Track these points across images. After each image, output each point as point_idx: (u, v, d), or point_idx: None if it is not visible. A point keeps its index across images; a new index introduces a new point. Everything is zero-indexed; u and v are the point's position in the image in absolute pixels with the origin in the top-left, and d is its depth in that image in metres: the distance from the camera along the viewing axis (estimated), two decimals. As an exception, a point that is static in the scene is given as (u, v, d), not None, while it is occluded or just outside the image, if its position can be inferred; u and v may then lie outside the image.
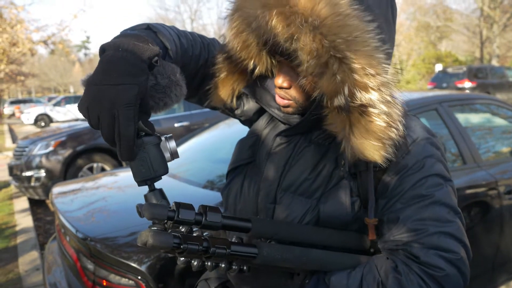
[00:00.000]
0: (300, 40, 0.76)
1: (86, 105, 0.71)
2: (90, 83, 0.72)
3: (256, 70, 0.98)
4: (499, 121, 3.34)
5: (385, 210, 0.89)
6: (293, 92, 0.91)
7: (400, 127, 0.81)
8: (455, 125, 2.57)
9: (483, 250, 2.40)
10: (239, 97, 1.08)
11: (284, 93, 0.92)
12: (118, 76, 0.70)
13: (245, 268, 0.82)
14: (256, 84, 1.03)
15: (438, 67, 19.34)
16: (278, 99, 0.95)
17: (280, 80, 0.91)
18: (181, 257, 0.76)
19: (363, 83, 0.76)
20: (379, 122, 0.78)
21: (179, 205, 0.73)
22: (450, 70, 15.86)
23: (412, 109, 2.42)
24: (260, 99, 1.02)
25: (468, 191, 2.30)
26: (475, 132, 3.02)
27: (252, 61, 0.96)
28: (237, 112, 1.12)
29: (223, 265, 0.78)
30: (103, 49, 0.75)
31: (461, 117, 2.74)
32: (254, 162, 1.06)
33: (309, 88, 0.86)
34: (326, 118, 0.84)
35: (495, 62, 22.78)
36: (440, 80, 15.21)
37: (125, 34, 0.81)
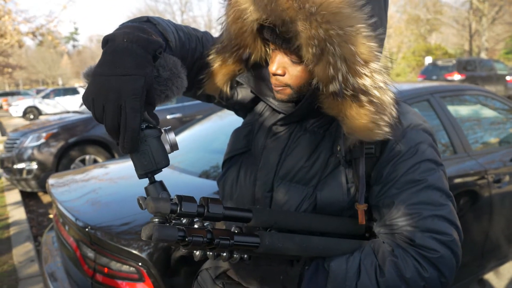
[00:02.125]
0: (297, 24, 0.78)
1: (91, 96, 0.71)
2: (95, 74, 0.72)
3: (251, 59, 0.99)
4: (488, 112, 3.41)
5: (380, 196, 0.91)
6: (287, 79, 0.92)
7: (394, 110, 0.84)
8: (447, 116, 2.62)
9: (473, 237, 2.46)
10: (232, 87, 1.09)
11: (277, 80, 0.93)
12: (124, 67, 0.70)
13: (245, 256, 0.83)
14: (251, 73, 1.04)
15: (428, 60, 19.48)
16: (273, 85, 0.96)
17: (274, 67, 0.92)
18: (185, 249, 0.76)
19: (356, 70, 0.79)
20: (371, 107, 0.81)
21: (181, 198, 0.74)
22: (439, 62, 15.97)
23: (404, 100, 2.46)
24: (255, 88, 1.04)
25: (459, 180, 2.36)
26: (465, 123, 3.09)
27: (247, 49, 0.97)
28: (231, 101, 1.12)
29: (224, 254, 0.79)
30: (107, 40, 0.75)
31: (452, 108, 2.80)
32: (250, 152, 1.08)
33: (303, 74, 0.89)
34: (321, 104, 0.87)
35: (483, 55, 23.00)
36: (430, 72, 15.32)
37: (128, 25, 0.81)
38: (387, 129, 0.83)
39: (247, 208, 0.85)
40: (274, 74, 0.92)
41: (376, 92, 0.81)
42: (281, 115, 1.03)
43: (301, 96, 0.94)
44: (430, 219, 0.86)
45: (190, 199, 0.75)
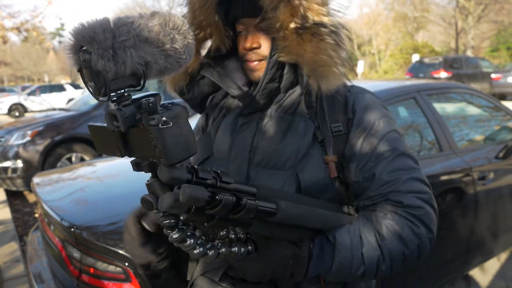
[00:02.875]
0: None
1: None
2: None
3: (211, 49, 1.03)
4: (474, 110, 3.46)
5: (359, 171, 0.96)
6: (264, 51, 0.98)
7: (348, 51, 0.94)
8: (433, 114, 2.65)
9: (458, 234, 2.50)
10: (191, 83, 1.09)
11: (255, 54, 0.98)
12: None
13: (250, 248, 0.80)
14: (213, 67, 1.06)
15: (415, 58, 19.64)
16: (248, 67, 1.01)
17: (249, 43, 0.98)
18: (212, 212, 0.69)
19: (314, 8, 0.89)
20: (329, 40, 0.89)
21: (218, 173, 0.69)
22: (426, 60, 16.14)
23: (391, 98, 2.49)
24: (219, 81, 1.05)
25: (444, 178, 2.39)
26: (451, 120, 3.12)
27: (208, 30, 1.00)
28: (186, 97, 1.11)
29: (223, 250, 0.75)
30: None
31: (438, 106, 2.83)
32: (212, 156, 1.07)
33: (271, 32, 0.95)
34: (281, 52, 0.94)
35: (469, 53, 23.30)
36: (417, 70, 15.47)
37: None
38: (342, 69, 0.92)
39: (251, 184, 0.81)
40: (251, 49, 0.98)
41: (333, 28, 0.90)
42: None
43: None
44: (409, 182, 0.93)
45: (204, 169, 0.70)
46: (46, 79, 44.59)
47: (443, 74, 14.54)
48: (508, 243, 3.06)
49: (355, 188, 0.98)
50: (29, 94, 22.08)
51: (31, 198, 5.74)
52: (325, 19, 0.90)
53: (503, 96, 15.31)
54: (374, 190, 0.94)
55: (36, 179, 2.68)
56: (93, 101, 6.33)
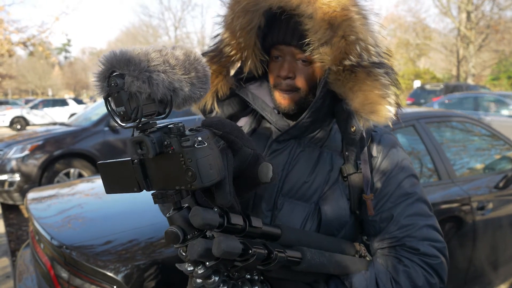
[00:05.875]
0: (317, 2, 0.84)
1: None
2: None
3: (246, 66, 1.01)
4: (473, 138, 3.45)
5: (376, 210, 0.95)
6: (298, 82, 0.95)
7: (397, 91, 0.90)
8: (431, 142, 2.64)
9: (456, 264, 2.45)
10: (218, 102, 1.08)
11: (288, 85, 0.96)
12: None
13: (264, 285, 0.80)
14: (247, 88, 1.05)
15: (417, 84, 19.79)
16: (279, 95, 0.98)
17: (285, 71, 0.95)
18: (243, 264, 0.68)
19: (369, 49, 0.87)
20: (384, 80, 0.87)
21: (226, 210, 0.68)
22: (428, 86, 16.23)
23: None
24: (253, 102, 1.04)
25: (443, 206, 2.36)
26: (450, 149, 3.11)
27: (244, 53, 0.99)
28: (209, 116, 1.09)
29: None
30: None
31: (437, 134, 2.82)
32: None
33: (313, 73, 0.94)
34: (332, 84, 0.91)
35: (470, 81, 23.46)
36: (418, 96, 15.54)
37: None
38: (393, 109, 0.88)
39: (276, 225, 0.83)
40: (286, 78, 0.95)
41: (387, 70, 0.89)
42: (277, 131, 1.04)
43: (303, 106, 0.96)
44: (425, 229, 0.93)
45: (234, 211, 0.69)
46: (50, 93, 44.91)
47: (444, 101, 14.58)
48: (508, 274, 3.00)
49: (369, 226, 0.98)
50: (32, 107, 22.18)
51: (26, 212, 5.68)
52: (377, 60, 0.89)
53: (503, 125, 15.32)
54: (390, 233, 0.94)
55: (30, 195, 2.65)
56: (95, 117, 6.34)
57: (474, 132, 3.40)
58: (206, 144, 0.64)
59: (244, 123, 1.11)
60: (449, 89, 15.32)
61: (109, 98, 0.64)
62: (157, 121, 0.67)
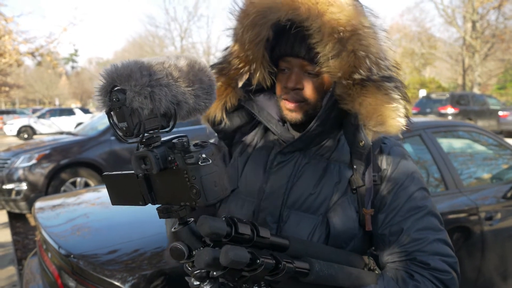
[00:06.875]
0: (325, 15, 0.83)
1: None
2: None
3: (254, 79, 1.01)
4: (480, 148, 3.43)
5: (386, 223, 0.94)
6: (306, 93, 0.95)
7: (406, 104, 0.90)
8: (438, 151, 2.63)
9: (464, 275, 2.42)
10: (226, 113, 1.08)
11: (297, 95, 0.95)
12: None
13: None
14: (252, 100, 1.05)
15: (422, 93, 19.77)
16: (285, 106, 0.97)
17: (293, 83, 0.94)
18: (250, 274, 0.67)
19: (379, 63, 0.86)
20: (394, 94, 0.86)
21: (234, 220, 0.67)
22: (433, 96, 16.20)
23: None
24: (259, 113, 1.04)
25: (450, 216, 2.34)
26: (457, 158, 3.09)
27: (253, 65, 0.99)
28: (217, 128, 1.11)
29: None
30: None
31: (444, 143, 2.81)
32: (237, 189, 1.06)
33: (321, 84, 0.93)
34: (340, 99, 0.90)
35: (476, 90, 23.39)
36: (424, 105, 15.50)
37: None
38: (402, 121, 0.87)
39: (284, 236, 0.82)
40: (294, 89, 0.95)
41: (398, 84, 0.88)
42: (281, 143, 1.03)
43: (311, 117, 0.96)
44: (436, 243, 0.92)
45: (242, 221, 0.68)
46: (57, 102, 45.29)
47: (450, 110, 14.55)
48: (517, 286, 2.96)
49: (378, 240, 0.96)
50: (39, 117, 22.38)
51: (33, 221, 5.71)
52: (387, 73, 0.88)
53: (511, 134, 15.22)
54: (400, 247, 0.92)
55: (38, 204, 2.67)
56: (101, 127, 6.38)
57: (481, 142, 3.38)
58: (210, 162, 0.63)
59: (252, 136, 1.11)
60: (455, 98, 15.28)
61: (111, 113, 0.63)
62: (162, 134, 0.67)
